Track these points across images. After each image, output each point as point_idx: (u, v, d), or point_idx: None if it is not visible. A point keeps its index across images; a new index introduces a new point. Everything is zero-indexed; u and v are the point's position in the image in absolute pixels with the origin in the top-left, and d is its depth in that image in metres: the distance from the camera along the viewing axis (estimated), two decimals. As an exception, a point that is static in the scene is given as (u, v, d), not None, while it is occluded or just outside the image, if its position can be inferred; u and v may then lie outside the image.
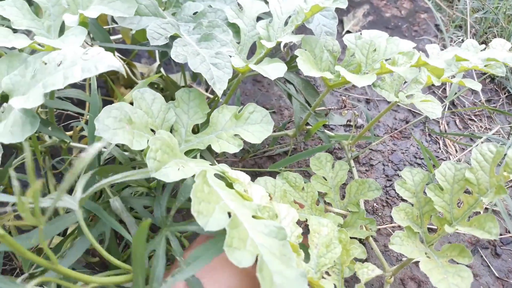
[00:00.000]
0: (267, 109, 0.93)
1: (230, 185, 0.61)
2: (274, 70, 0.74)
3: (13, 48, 0.67)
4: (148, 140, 0.60)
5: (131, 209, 0.78)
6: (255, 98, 1.23)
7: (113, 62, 0.51)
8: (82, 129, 0.95)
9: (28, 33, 0.76)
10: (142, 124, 0.65)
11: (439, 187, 0.74)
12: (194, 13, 0.88)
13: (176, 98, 0.75)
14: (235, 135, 0.73)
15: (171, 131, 0.73)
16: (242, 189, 0.61)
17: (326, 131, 1.00)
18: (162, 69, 1.11)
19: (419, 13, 1.57)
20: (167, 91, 1.10)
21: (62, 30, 0.73)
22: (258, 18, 0.88)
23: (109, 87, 1.15)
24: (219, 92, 0.72)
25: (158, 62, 1.16)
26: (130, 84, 1.12)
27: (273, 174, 0.84)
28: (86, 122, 0.98)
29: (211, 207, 0.52)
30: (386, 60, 0.81)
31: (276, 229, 0.52)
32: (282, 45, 0.88)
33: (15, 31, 0.68)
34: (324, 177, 0.85)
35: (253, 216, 0.55)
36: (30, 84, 0.55)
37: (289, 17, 0.85)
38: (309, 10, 0.78)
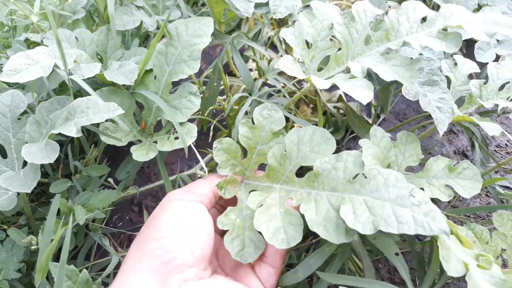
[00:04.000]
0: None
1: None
2: (492, 128, 0.82)
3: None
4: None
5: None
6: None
7: (445, 227, 0.53)
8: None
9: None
10: (378, 161, 0.75)
11: None
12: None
13: (397, 138, 0.85)
14: (447, 185, 0.81)
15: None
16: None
17: (497, 187, 1.04)
18: (343, 96, 1.24)
19: None
20: (345, 116, 1.22)
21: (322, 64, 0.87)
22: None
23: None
24: (441, 132, 0.81)
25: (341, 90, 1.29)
26: (314, 104, 1.25)
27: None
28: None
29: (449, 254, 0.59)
30: None
31: (501, 281, 0.56)
32: (499, 108, 0.93)
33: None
34: (504, 234, 0.89)
35: (478, 266, 0.60)
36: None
37: (507, 83, 0.92)
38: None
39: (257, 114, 0.78)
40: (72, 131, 0.72)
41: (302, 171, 0.73)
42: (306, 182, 0.70)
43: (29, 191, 0.74)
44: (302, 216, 0.65)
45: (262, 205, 0.70)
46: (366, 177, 0.61)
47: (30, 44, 1.05)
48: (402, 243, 0.92)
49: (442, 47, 0.75)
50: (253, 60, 1.22)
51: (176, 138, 0.81)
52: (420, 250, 0.78)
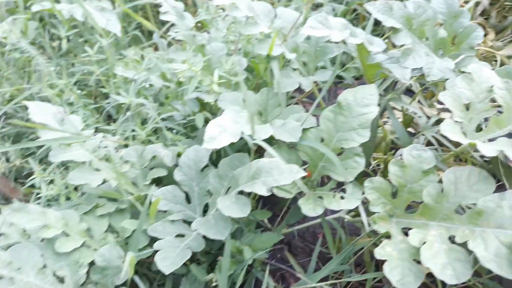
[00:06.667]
0: None
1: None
2: None
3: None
4: None
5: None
6: None
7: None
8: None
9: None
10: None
11: None
12: None
13: None
14: None
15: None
16: None
17: None
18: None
19: None
20: (490, 164, 1.22)
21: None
22: None
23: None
24: None
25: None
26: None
27: None
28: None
29: None
30: None
31: None
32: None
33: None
34: None
35: None
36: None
37: None
38: None
39: (407, 154, 0.86)
40: (262, 190, 0.85)
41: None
42: (468, 220, 0.76)
43: (223, 238, 0.88)
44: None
45: (425, 242, 0.78)
46: None
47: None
48: None
49: None
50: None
51: (342, 197, 0.90)
52: None
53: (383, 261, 1.09)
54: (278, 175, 0.85)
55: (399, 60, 0.98)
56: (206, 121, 1.17)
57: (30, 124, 0.96)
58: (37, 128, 1.03)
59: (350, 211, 1.15)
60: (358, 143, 0.91)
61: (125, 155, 1.10)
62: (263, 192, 0.84)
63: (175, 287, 1.04)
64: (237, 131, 0.91)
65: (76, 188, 1.11)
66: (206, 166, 1.06)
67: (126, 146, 1.16)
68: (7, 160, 1.36)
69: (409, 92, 1.43)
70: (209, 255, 1.11)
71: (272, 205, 1.26)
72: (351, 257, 1.07)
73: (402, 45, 1.03)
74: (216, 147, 0.88)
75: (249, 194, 1.13)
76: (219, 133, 0.90)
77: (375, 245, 1.08)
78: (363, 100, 0.92)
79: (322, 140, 0.97)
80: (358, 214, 1.16)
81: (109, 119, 1.47)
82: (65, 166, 1.26)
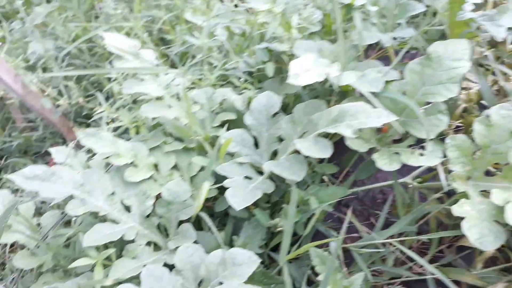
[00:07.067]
0: None
1: None
2: None
3: None
4: None
5: None
6: None
7: None
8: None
9: None
10: None
11: None
12: None
13: None
14: None
15: None
16: None
17: None
18: None
19: None
20: None
21: None
22: None
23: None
24: None
25: None
26: None
27: None
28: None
29: None
30: None
31: None
32: None
33: None
34: None
35: None
36: None
37: None
38: None
39: (494, 113, 0.83)
40: (347, 132, 0.82)
41: None
42: None
43: (299, 180, 0.86)
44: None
45: (509, 201, 0.75)
46: None
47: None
48: None
49: None
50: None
51: (421, 154, 0.87)
52: None
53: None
54: (365, 118, 0.83)
55: (493, 18, 0.93)
56: (276, 71, 1.16)
57: (112, 49, 0.95)
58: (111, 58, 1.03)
59: (416, 177, 1.12)
60: (446, 98, 0.87)
61: (195, 96, 1.09)
62: (349, 133, 0.81)
63: (236, 231, 1.03)
64: (322, 72, 0.88)
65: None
66: (277, 113, 1.04)
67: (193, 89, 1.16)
68: (69, 98, 1.37)
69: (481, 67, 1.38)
70: (269, 205, 1.09)
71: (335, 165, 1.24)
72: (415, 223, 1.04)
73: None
74: (301, 84, 0.86)
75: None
76: (304, 71, 0.88)
77: (442, 213, 1.06)
78: (454, 54, 0.88)
79: (404, 94, 0.94)
80: (424, 180, 1.13)
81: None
82: (128, 108, 1.26)
